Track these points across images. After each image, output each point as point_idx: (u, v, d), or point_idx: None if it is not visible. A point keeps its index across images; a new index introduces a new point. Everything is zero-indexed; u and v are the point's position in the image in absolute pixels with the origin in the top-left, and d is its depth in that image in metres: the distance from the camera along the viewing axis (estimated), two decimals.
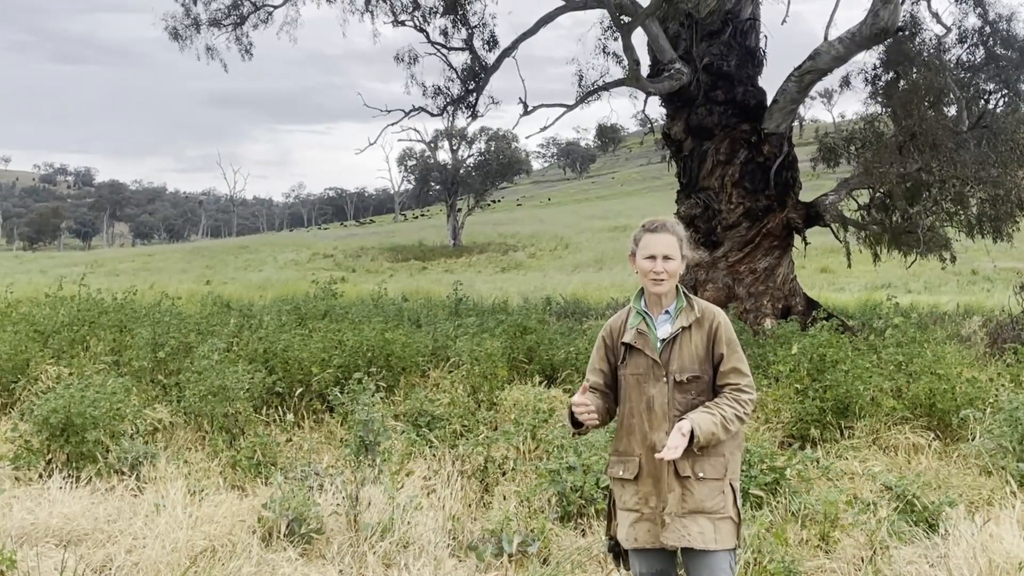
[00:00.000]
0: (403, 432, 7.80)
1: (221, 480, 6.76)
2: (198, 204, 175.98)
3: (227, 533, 5.36)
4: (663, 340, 3.56)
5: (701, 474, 3.46)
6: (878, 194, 16.57)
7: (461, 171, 67.84)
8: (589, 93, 18.69)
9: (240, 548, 5.17)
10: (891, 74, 17.40)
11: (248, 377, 8.40)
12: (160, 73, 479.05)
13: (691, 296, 3.65)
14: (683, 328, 3.55)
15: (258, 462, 7.05)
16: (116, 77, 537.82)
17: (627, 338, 3.63)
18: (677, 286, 3.64)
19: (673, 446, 3.33)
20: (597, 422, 3.60)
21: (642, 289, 3.67)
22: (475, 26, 19.69)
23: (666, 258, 3.55)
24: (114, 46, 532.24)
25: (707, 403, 3.49)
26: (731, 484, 3.52)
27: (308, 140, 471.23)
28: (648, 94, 17.57)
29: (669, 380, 3.51)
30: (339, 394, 7.95)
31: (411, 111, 20.14)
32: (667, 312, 3.60)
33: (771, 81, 18.04)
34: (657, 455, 3.38)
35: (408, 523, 5.43)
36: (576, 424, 3.63)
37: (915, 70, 16.85)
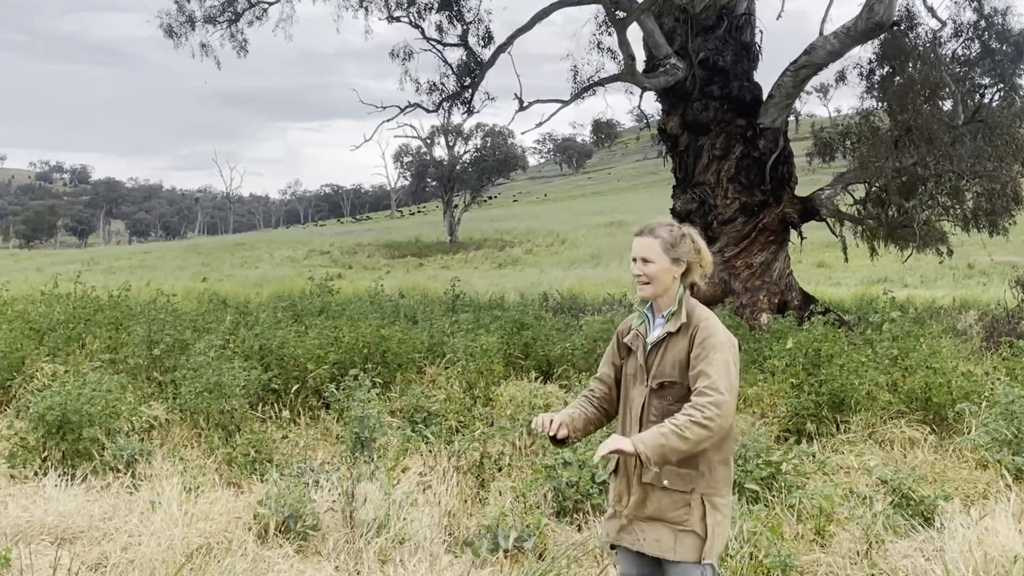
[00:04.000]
0: (399, 428, 7.80)
1: (217, 477, 6.75)
2: (194, 201, 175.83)
3: (223, 530, 5.36)
4: (651, 344, 3.55)
5: (666, 483, 3.39)
6: (874, 188, 16.59)
7: (457, 167, 67.83)
8: (584, 89, 18.69)
9: (236, 545, 5.16)
10: (887, 69, 17.38)
11: (244, 374, 8.39)
12: (151, 72, 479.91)
13: (686, 301, 3.55)
14: (669, 333, 3.50)
15: (254, 459, 7.04)
16: (108, 76, 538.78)
17: (626, 339, 3.65)
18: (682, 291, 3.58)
19: (608, 447, 3.25)
20: (564, 433, 3.61)
21: None
22: (470, 22, 19.70)
23: (644, 261, 3.51)
24: (105, 45, 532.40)
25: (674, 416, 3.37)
26: (703, 499, 3.39)
27: (304, 137, 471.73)
28: (644, 89, 17.58)
29: (649, 385, 3.50)
30: (335, 390, 7.94)
31: (406, 107, 20.16)
32: (662, 316, 3.57)
33: (767, 76, 18.04)
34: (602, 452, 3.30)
35: (404, 519, 5.43)
36: (555, 442, 3.66)
37: (911, 64, 16.84)
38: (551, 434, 3.57)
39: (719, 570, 3.54)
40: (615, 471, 3.57)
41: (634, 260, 3.55)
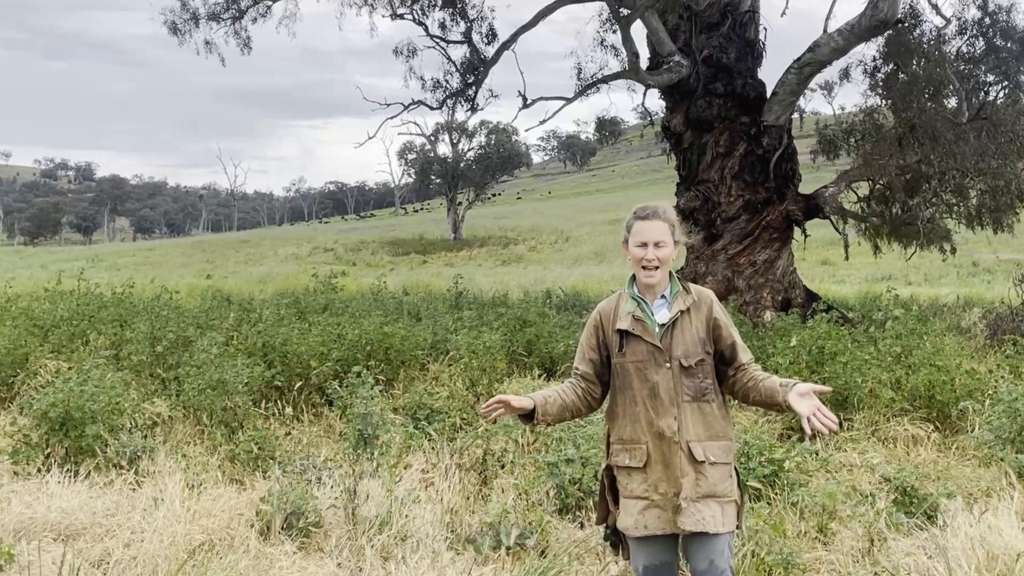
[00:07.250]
0: (402, 425, 7.80)
1: (219, 474, 6.76)
2: (199, 199, 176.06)
3: (225, 527, 5.36)
4: (662, 325, 3.53)
5: (712, 459, 3.47)
6: (878, 186, 16.54)
7: (461, 164, 67.82)
8: (588, 86, 18.68)
9: (238, 541, 5.17)
10: (891, 66, 17.34)
11: (247, 371, 8.39)
12: (155, 70, 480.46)
13: (683, 280, 3.65)
14: (681, 312, 3.53)
15: (256, 456, 7.04)
16: (112, 74, 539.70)
17: (623, 325, 3.57)
18: (669, 271, 3.63)
19: (832, 419, 3.33)
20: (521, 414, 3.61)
21: (634, 275, 3.65)
22: (473, 19, 19.71)
23: (657, 245, 3.53)
24: (108, 44, 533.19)
25: (763, 378, 3.53)
26: (734, 468, 3.58)
27: (308, 135, 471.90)
28: (647, 87, 17.56)
29: (673, 365, 3.49)
30: (338, 387, 7.94)
31: (410, 104, 20.17)
32: (663, 297, 3.58)
33: (771, 73, 18.04)
34: (822, 429, 3.31)
35: (406, 516, 5.43)
36: (523, 418, 3.64)
37: (915, 62, 16.80)
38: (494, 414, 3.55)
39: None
40: (646, 463, 3.51)
41: (644, 245, 3.53)
